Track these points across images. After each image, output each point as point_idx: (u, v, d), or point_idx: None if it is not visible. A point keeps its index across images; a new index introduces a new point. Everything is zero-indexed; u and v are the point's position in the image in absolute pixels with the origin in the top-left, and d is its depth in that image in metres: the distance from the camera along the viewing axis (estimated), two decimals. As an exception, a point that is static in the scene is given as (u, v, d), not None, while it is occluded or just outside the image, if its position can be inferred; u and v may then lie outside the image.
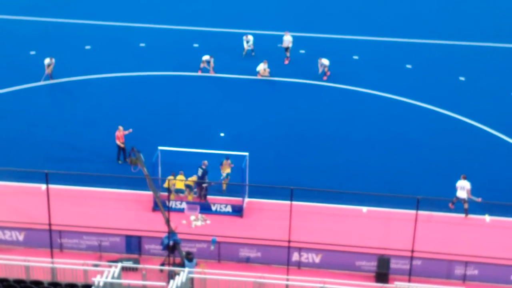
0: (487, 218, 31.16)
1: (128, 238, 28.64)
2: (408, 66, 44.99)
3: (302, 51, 46.00)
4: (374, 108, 40.08)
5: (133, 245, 28.69)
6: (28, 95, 40.30)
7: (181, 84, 42.30)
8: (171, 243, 26.84)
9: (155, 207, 30.36)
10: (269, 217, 30.64)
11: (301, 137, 37.14)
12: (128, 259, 27.73)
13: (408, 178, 33.88)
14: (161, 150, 31.32)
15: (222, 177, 31.76)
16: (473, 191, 30.93)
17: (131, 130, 34.44)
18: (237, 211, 31.06)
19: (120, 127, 34.09)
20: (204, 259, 28.29)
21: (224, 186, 31.84)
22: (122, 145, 33.93)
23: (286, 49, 44.70)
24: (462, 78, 43.71)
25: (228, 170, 31.86)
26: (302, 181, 32.32)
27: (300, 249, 28.09)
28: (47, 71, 41.30)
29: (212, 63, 42.91)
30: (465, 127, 38.40)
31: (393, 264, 27.82)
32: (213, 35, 48.39)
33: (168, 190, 28.71)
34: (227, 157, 31.84)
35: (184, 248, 27.59)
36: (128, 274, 25.81)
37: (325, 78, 42.73)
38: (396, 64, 45.23)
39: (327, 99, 40.92)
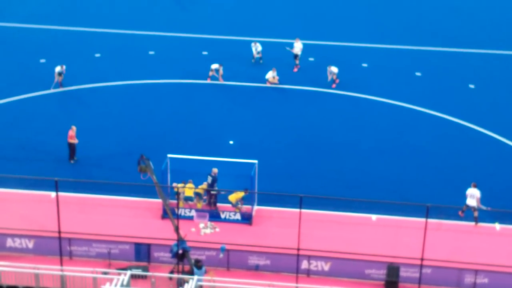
0: (497, 226, 31.05)
1: (138, 245, 28.66)
2: (418, 73, 44.92)
3: (311, 59, 46.01)
4: (383, 116, 40.03)
5: (142, 252, 28.71)
6: (37, 103, 40.42)
7: (190, 92, 42.35)
8: (180, 250, 26.86)
9: (164, 215, 30.37)
10: (278, 225, 30.61)
11: (310, 144, 37.11)
12: (137, 267, 27.73)
13: (418, 186, 33.79)
14: (170, 158, 31.37)
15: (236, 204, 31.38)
16: (483, 199, 30.83)
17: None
18: (246, 219, 31.03)
19: (73, 127, 34.41)
20: (213, 266, 28.28)
21: (238, 209, 31.44)
22: (73, 145, 34.39)
23: (296, 56, 44.69)
24: (471, 86, 43.61)
25: (240, 196, 31.31)
26: (311, 189, 32.27)
27: (309, 257, 28.04)
28: (57, 79, 41.44)
29: (221, 71, 42.98)
30: (475, 135, 38.29)
31: (403, 272, 27.72)
32: (222, 43, 48.46)
33: (177, 196, 28.70)
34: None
35: (193, 255, 27.58)
36: (137, 281, 25.84)
37: (334, 86, 42.71)
38: (405, 71, 45.16)
39: (336, 107, 40.90)
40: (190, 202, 31.61)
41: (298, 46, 44.57)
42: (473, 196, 30.75)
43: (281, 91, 42.44)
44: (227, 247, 28.32)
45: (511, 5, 56.27)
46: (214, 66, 43.07)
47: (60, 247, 27.44)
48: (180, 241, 26.99)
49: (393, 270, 27.56)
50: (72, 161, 34.64)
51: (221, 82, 43.07)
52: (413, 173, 34.90)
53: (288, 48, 44.98)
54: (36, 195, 31.68)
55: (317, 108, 40.63)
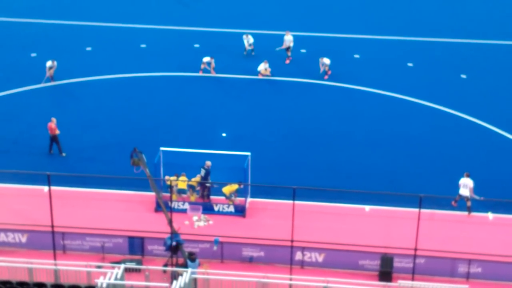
0: (490, 215, 31.12)
1: (131, 239, 28.62)
2: (410, 64, 44.95)
3: (303, 51, 45.97)
4: (375, 107, 40.05)
5: (136, 246, 28.68)
6: (29, 97, 40.29)
7: (182, 85, 42.28)
8: (174, 243, 26.84)
9: (158, 208, 30.34)
10: (271, 217, 30.62)
11: (303, 136, 37.11)
12: (131, 260, 27.71)
13: (411, 176, 33.84)
14: (163, 151, 31.32)
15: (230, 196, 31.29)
16: (476, 188, 30.90)
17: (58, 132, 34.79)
18: (240, 211, 31.03)
19: (53, 119, 34.42)
20: (207, 259, 28.28)
21: (231, 201, 31.38)
22: (54, 136, 34.38)
23: (287, 48, 44.64)
24: (463, 76, 43.67)
25: (234, 188, 31.29)
26: (305, 180, 32.27)
27: (303, 249, 28.06)
28: (49, 73, 41.29)
29: (213, 64, 42.90)
30: (467, 125, 38.36)
31: (396, 263, 27.77)
32: (214, 35, 48.38)
33: (170, 189, 28.67)
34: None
35: (187, 248, 27.57)
36: (131, 275, 25.81)
37: (326, 77, 42.69)
38: (397, 62, 45.18)
39: (328, 98, 40.89)
40: (183, 195, 31.59)
41: (288, 39, 44.49)
42: (466, 186, 30.81)
43: (274, 83, 42.41)
44: (221, 239, 28.31)
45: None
46: (206, 59, 42.98)
47: (53, 241, 27.38)
48: (174, 234, 26.97)
49: (386, 261, 27.61)
50: (63, 154, 34.55)
51: (213, 74, 43.00)
52: (406, 164, 34.94)
53: (278, 48, 44.72)
54: (28, 189, 31.61)
55: (310, 100, 40.61)
